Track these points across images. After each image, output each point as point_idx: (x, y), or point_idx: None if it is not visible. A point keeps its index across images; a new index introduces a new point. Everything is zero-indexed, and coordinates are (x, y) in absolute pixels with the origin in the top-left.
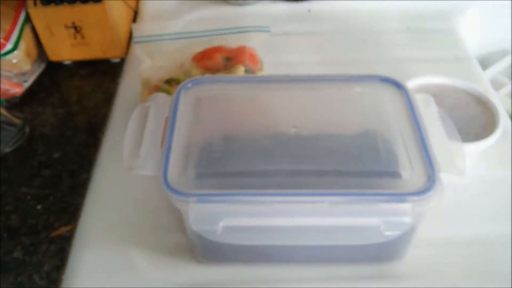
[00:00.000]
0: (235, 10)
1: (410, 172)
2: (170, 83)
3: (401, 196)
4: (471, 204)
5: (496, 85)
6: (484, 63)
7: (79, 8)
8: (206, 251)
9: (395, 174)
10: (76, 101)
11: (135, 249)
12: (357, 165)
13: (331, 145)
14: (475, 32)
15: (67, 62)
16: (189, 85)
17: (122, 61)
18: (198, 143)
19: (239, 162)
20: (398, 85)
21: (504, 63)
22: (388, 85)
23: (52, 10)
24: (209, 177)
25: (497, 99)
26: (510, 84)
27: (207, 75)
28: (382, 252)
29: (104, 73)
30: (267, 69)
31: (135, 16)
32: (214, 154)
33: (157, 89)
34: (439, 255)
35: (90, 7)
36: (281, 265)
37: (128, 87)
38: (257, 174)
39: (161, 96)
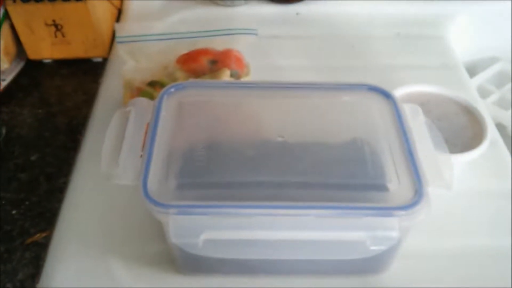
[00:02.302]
0: (222, 12)
1: (397, 185)
2: (153, 86)
3: (387, 211)
4: (459, 215)
5: (484, 92)
6: (473, 70)
7: (60, 5)
8: (188, 262)
9: (382, 187)
10: (56, 101)
11: (114, 258)
12: (344, 177)
13: (318, 155)
14: (464, 39)
15: (47, 61)
16: (172, 90)
17: (105, 60)
18: (181, 151)
19: (222, 172)
20: (386, 95)
21: (492, 70)
22: (376, 94)
23: (32, 8)
24: (191, 188)
25: (484, 108)
26: (497, 92)
27: (191, 80)
28: (367, 265)
29: (86, 72)
30: (254, 73)
31: (119, 15)
32: (197, 163)
33: (140, 91)
34: (425, 267)
35: (71, 5)
36: (266, 276)
37: (110, 88)
38: (241, 185)
39: (142, 101)
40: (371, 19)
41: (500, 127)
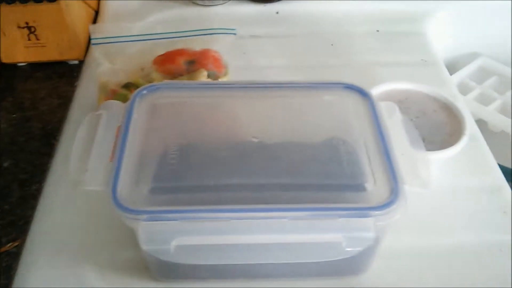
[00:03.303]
0: (201, 11)
1: (373, 185)
2: (129, 88)
3: (362, 211)
4: (439, 213)
5: (464, 89)
6: (453, 66)
7: (32, 7)
8: (162, 268)
9: (358, 187)
10: (30, 106)
11: (88, 266)
12: (320, 178)
13: (294, 156)
14: (445, 35)
15: (21, 64)
16: (145, 92)
17: (81, 63)
18: (153, 154)
19: (195, 176)
20: (362, 93)
21: (472, 66)
22: (353, 93)
23: (3, 10)
24: (163, 192)
25: (464, 105)
26: (478, 88)
27: (165, 81)
28: (347, 266)
29: (62, 75)
30: (233, 73)
31: (97, 16)
32: (170, 166)
33: (115, 94)
34: (406, 266)
35: (44, 7)
36: (243, 281)
37: (85, 91)
38: (215, 188)
39: (114, 104)
40: (350, 17)
41: (481, 123)
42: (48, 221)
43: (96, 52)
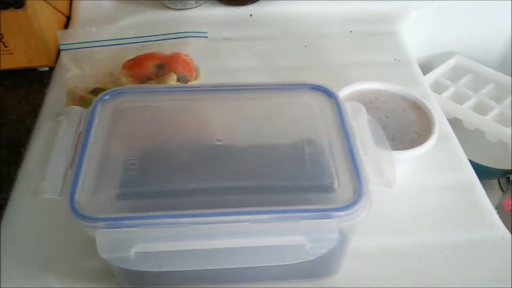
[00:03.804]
0: (173, 15)
1: (337, 186)
2: (96, 93)
3: (325, 212)
4: (409, 212)
5: (439, 87)
6: (429, 65)
7: None
8: (127, 276)
9: (322, 188)
10: None
11: (54, 276)
12: (283, 180)
13: (259, 158)
14: (419, 34)
15: None
16: (107, 97)
17: (52, 69)
18: (115, 161)
19: (158, 181)
20: (329, 93)
21: (447, 65)
22: (319, 94)
23: None
24: (124, 199)
25: (435, 103)
26: (453, 86)
27: (129, 86)
28: (315, 268)
29: (32, 83)
30: (205, 77)
31: (68, 22)
32: (131, 172)
33: (82, 99)
34: (377, 267)
35: (11, 14)
36: (209, 286)
37: (55, 97)
38: (177, 193)
39: (75, 110)
40: (324, 18)
41: (456, 121)
42: (13, 231)
43: (64, 58)
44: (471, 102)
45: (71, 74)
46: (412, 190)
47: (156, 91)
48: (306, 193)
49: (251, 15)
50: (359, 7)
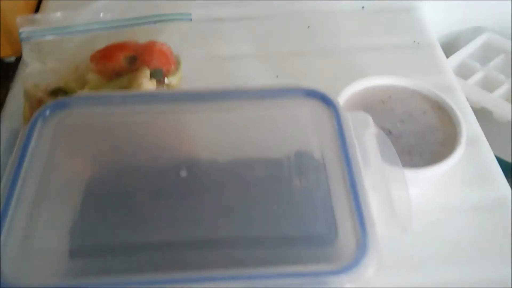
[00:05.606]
0: None
1: (334, 235)
2: (57, 95)
3: (319, 278)
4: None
5: (465, 72)
6: (452, 44)
7: None
8: None
9: (315, 239)
10: None
11: None
12: (265, 227)
13: (233, 196)
14: (441, 9)
15: None
16: (48, 112)
17: (18, 60)
18: (52, 200)
19: (104, 233)
20: (327, 101)
21: (475, 44)
22: (315, 101)
23: None
24: (60, 257)
25: (464, 101)
26: (482, 70)
27: (76, 94)
28: None
29: None
30: (188, 68)
31: (39, 6)
32: (74, 217)
33: (41, 103)
34: None
35: None
36: None
37: (17, 96)
38: (123, 250)
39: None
40: None
41: (484, 112)
42: None
43: (24, 49)
44: (503, 89)
45: (30, 70)
46: (435, 212)
47: (110, 102)
48: (294, 246)
49: None
50: None
